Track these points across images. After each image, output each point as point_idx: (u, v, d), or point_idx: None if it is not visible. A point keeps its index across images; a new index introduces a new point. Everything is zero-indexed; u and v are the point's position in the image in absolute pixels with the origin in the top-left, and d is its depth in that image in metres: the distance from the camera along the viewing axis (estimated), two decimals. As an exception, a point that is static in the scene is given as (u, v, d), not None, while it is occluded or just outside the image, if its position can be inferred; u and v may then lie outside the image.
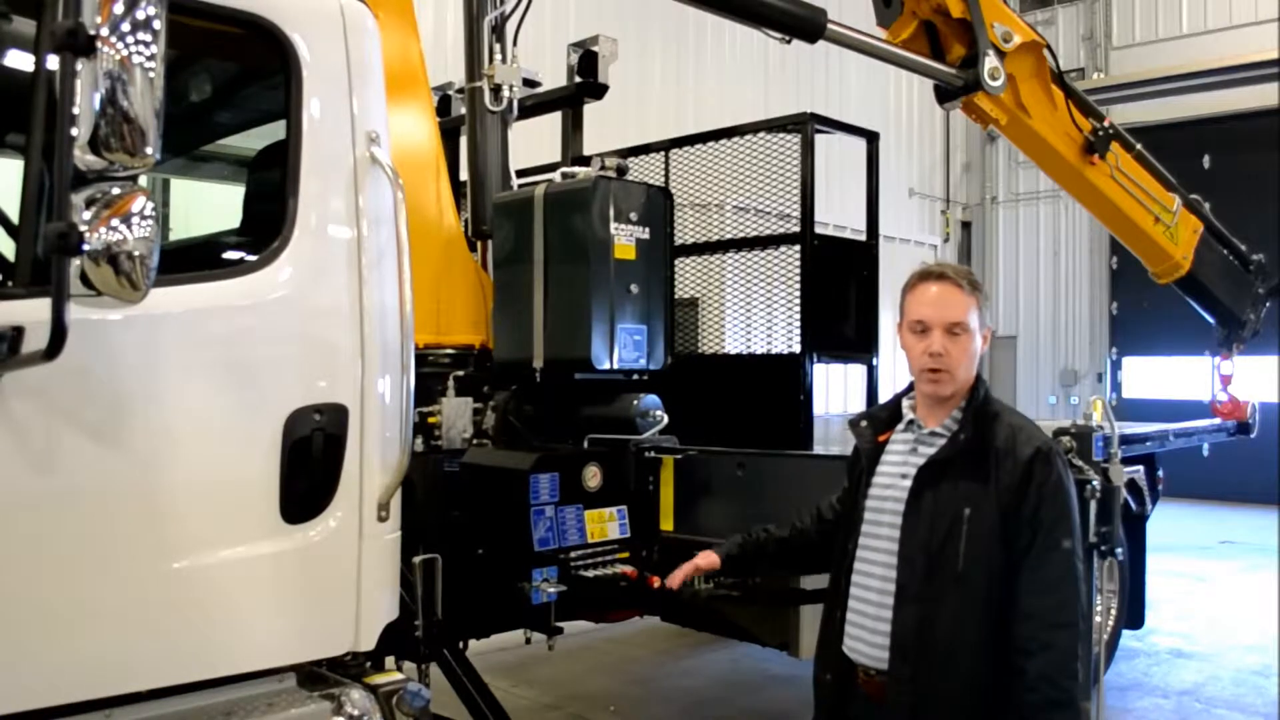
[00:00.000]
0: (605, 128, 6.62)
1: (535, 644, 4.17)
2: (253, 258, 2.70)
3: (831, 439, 5.21)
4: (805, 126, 4.91)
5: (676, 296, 4.90)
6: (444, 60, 6.22)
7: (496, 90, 4.54)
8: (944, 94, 5.53)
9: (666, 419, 4.26)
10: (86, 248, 1.97)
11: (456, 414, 4.04)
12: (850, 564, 2.73)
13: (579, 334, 4.06)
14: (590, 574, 3.87)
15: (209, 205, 4.20)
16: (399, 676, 2.90)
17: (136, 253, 2.01)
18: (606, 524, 3.97)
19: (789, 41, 4.86)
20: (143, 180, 2.15)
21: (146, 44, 1.96)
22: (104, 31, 1.93)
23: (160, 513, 2.44)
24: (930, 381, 2.62)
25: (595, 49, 5.40)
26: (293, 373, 2.68)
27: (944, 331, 2.59)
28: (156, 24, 1.98)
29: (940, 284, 2.63)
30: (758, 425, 4.84)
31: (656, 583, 4.06)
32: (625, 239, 4.12)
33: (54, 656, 2.30)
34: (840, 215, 6.93)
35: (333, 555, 2.72)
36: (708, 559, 3.16)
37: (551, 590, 3.72)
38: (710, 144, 5.37)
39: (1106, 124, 6.14)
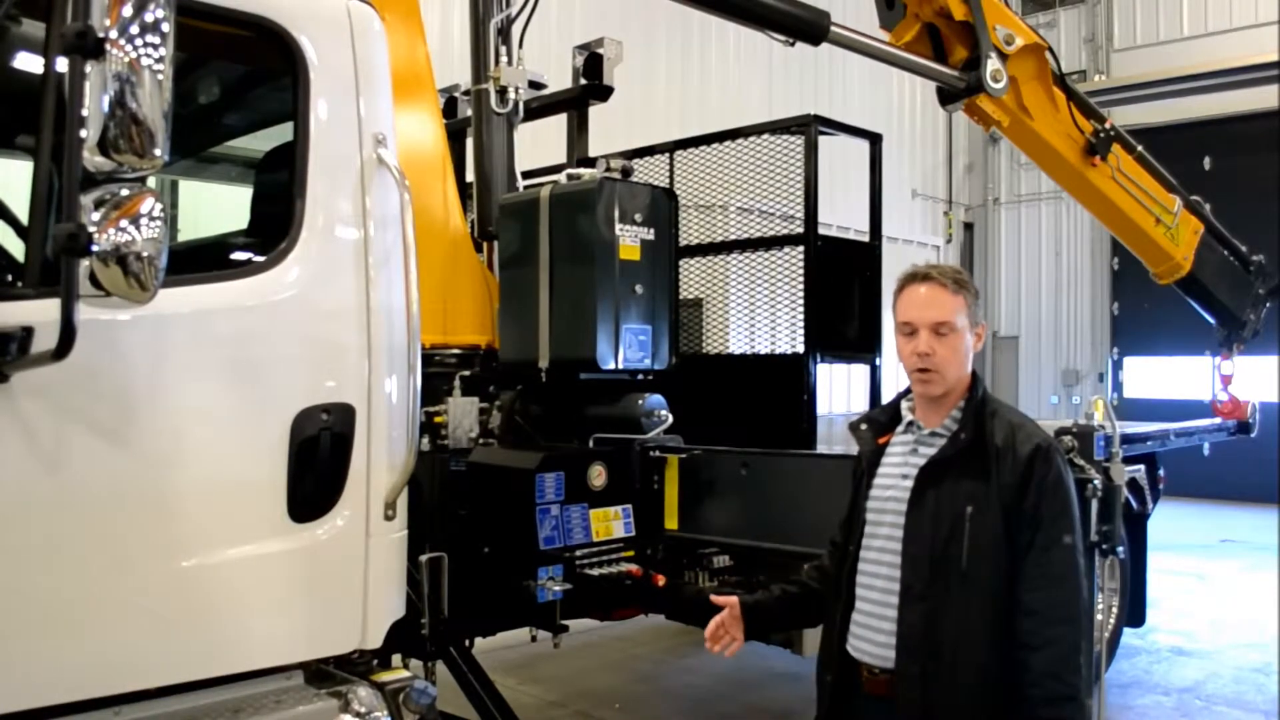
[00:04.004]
0: (610, 129, 6.64)
1: (541, 642, 4.18)
2: (260, 258, 2.71)
3: (835, 438, 5.22)
4: (809, 128, 4.92)
5: (681, 297, 4.91)
6: (450, 62, 6.21)
7: (502, 92, 4.54)
8: (946, 96, 5.54)
9: (671, 418, 4.26)
10: (95, 248, 1.98)
11: (462, 413, 4.05)
12: (852, 565, 2.74)
13: (584, 334, 4.06)
14: (595, 572, 3.88)
15: (217, 206, 4.22)
16: (405, 674, 2.91)
17: (145, 253, 2.02)
18: (611, 523, 3.98)
19: (792, 44, 4.87)
20: (151, 181, 2.16)
21: (155, 46, 1.98)
22: (113, 34, 1.94)
23: (169, 511, 2.46)
24: (920, 382, 2.65)
25: (600, 51, 5.41)
26: (300, 373, 2.69)
27: (930, 332, 2.60)
28: (165, 26, 1.99)
29: (926, 285, 2.65)
30: (762, 425, 4.85)
31: (661, 581, 4.09)
32: (630, 240, 4.13)
33: (63, 654, 2.31)
34: (843, 216, 6.94)
35: (340, 554, 2.74)
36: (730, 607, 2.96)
37: (557, 588, 3.73)
38: (714, 145, 5.38)
39: (1108, 126, 6.15)
